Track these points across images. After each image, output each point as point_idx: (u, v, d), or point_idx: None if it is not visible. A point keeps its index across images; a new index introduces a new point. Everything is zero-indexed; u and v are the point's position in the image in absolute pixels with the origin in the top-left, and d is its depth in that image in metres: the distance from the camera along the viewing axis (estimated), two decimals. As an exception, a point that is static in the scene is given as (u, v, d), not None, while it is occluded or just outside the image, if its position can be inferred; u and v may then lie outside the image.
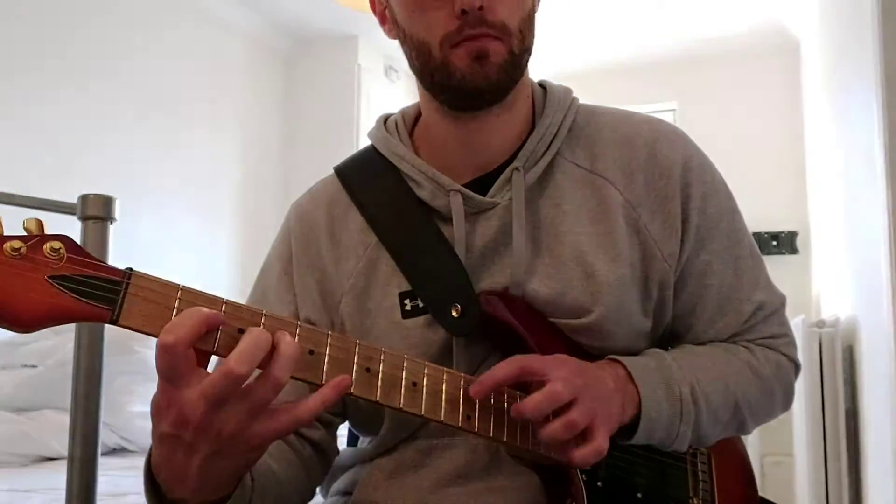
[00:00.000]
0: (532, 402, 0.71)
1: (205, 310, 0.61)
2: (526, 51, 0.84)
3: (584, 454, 0.72)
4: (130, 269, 0.64)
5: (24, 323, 0.60)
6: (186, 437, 0.62)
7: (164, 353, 0.59)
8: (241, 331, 0.63)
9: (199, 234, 3.42)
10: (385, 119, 0.96)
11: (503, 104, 0.86)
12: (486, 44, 0.80)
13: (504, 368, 0.73)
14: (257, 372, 0.62)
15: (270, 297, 0.93)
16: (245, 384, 0.61)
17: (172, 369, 0.60)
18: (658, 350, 0.87)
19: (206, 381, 0.60)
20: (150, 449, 0.69)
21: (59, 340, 2.33)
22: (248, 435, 0.63)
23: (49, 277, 0.61)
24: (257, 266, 0.98)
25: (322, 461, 0.91)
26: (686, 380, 0.83)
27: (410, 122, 0.95)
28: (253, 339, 0.61)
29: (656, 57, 4.07)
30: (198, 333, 0.60)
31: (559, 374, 0.72)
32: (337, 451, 0.94)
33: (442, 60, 0.81)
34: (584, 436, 0.72)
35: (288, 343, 0.62)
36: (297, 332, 0.67)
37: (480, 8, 0.78)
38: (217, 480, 0.66)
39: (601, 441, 0.72)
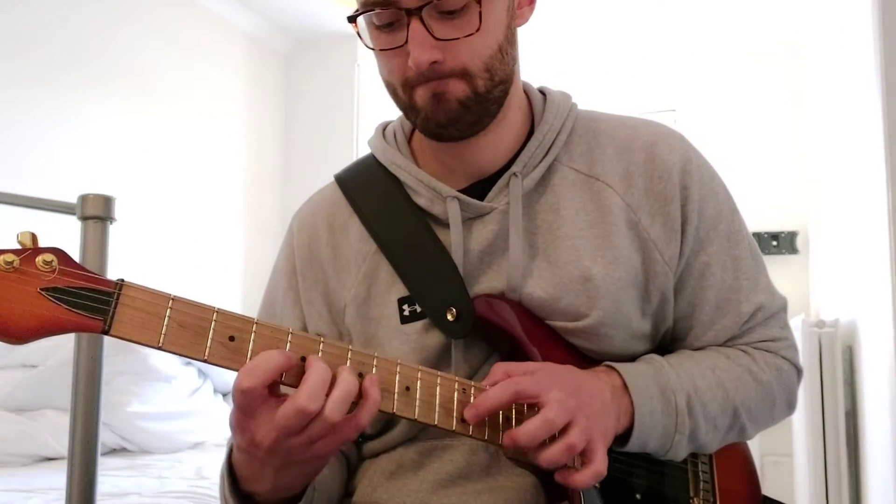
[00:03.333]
0: (526, 432, 0.70)
1: (279, 357, 0.65)
2: (497, 85, 0.82)
3: (584, 478, 0.72)
4: (122, 280, 0.65)
5: (18, 335, 0.61)
6: (258, 454, 0.68)
7: (240, 395, 0.64)
8: (303, 359, 0.67)
9: (200, 233, 3.42)
10: (384, 127, 0.97)
11: (486, 128, 0.86)
12: (443, 85, 0.80)
13: (497, 393, 0.73)
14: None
15: (277, 312, 0.94)
16: (327, 422, 0.65)
17: (248, 406, 0.65)
18: (656, 356, 0.87)
19: (279, 416, 0.64)
20: (231, 446, 0.75)
21: (59, 340, 2.32)
22: (316, 451, 0.68)
23: (42, 289, 0.62)
24: (258, 265, 0.99)
25: (348, 466, 0.94)
26: (683, 388, 0.83)
27: (409, 128, 0.95)
28: (320, 376, 0.65)
29: (657, 59, 4.07)
30: (273, 378, 0.65)
31: (553, 396, 0.72)
32: (357, 461, 0.95)
33: (407, 100, 0.83)
34: (581, 456, 0.73)
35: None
36: (289, 339, 0.68)
37: (436, 61, 0.78)
38: (289, 485, 0.74)
39: (600, 463, 0.72)
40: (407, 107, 0.84)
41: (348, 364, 0.69)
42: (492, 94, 0.82)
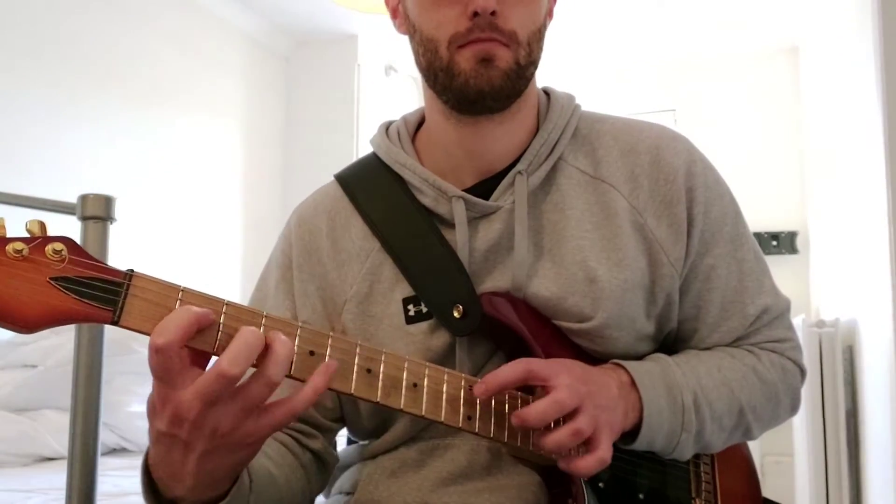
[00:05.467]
0: (536, 411, 0.70)
1: (195, 308, 0.61)
2: (532, 63, 0.84)
3: (588, 464, 0.71)
4: (132, 271, 0.64)
5: (27, 324, 0.60)
6: (182, 435, 0.62)
7: (155, 354, 0.59)
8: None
9: (200, 233, 3.41)
10: (387, 126, 0.96)
11: (506, 113, 0.86)
12: (493, 48, 0.80)
13: (509, 371, 0.73)
14: (252, 370, 0.62)
15: (269, 304, 0.93)
16: (239, 384, 0.60)
17: (165, 370, 0.60)
18: (662, 355, 0.87)
19: (200, 381, 0.59)
20: (147, 448, 0.68)
21: (59, 340, 2.32)
22: (244, 432, 0.63)
23: (51, 279, 0.61)
24: (258, 265, 0.98)
25: (322, 470, 0.91)
26: (689, 387, 0.83)
27: (412, 128, 0.95)
28: (245, 339, 0.60)
29: (656, 59, 4.07)
30: (189, 334, 0.60)
31: (564, 380, 0.72)
32: (337, 460, 0.94)
33: (448, 60, 0.81)
34: (586, 444, 0.72)
35: (282, 342, 0.62)
36: (299, 332, 0.67)
37: (493, 13, 0.78)
38: (213, 477, 0.66)
39: (604, 450, 0.72)
40: (445, 68, 0.82)
41: (356, 359, 0.69)
42: (527, 70, 0.84)
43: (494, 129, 0.87)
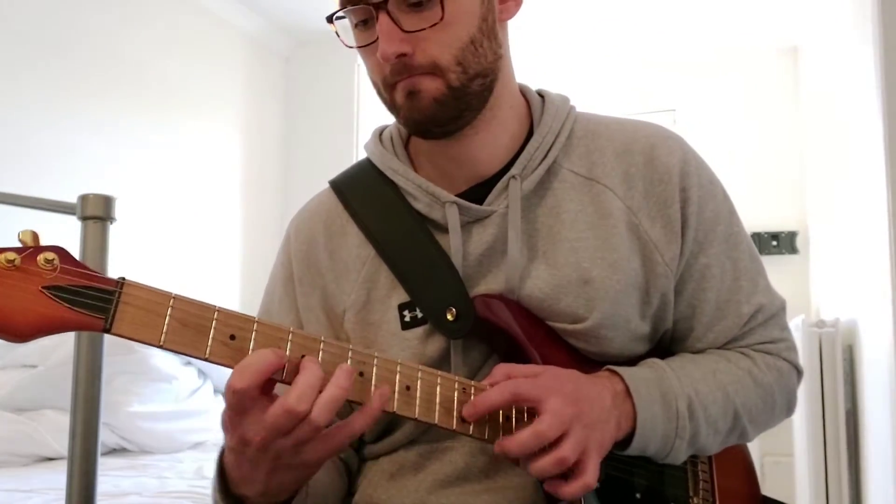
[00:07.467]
0: (517, 442, 0.71)
1: (273, 356, 0.65)
2: (474, 77, 0.81)
3: (572, 490, 0.72)
4: (123, 279, 0.65)
5: (20, 333, 0.62)
6: (248, 454, 0.68)
7: (233, 395, 0.64)
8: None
9: (200, 233, 3.42)
10: (380, 132, 0.97)
11: (477, 124, 0.85)
12: (415, 82, 0.80)
13: (496, 394, 0.73)
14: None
15: (273, 318, 0.93)
16: (313, 424, 0.65)
17: (239, 405, 0.65)
18: (658, 360, 0.87)
19: (268, 415, 0.64)
20: (223, 449, 0.74)
21: (59, 340, 2.32)
22: (305, 457, 0.68)
23: (43, 288, 0.62)
24: (257, 266, 0.99)
25: (348, 473, 0.93)
26: (684, 393, 0.83)
27: (406, 132, 0.95)
28: (311, 376, 0.65)
29: (656, 59, 4.07)
30: (265, 378, 0.65)
31: (552, 404, 0.72)
32: (357, 463, 0.94)
33: (389, 99, 0.84)
34: (573, 467, 0.73)
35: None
36: (290, 338, 0.68)
37: (404, 54, 0.78)
38: (279, 488, 0.73)
39: (590, 476, 0.72)
40: (389, 105, 0.85)
41: (349, 363, 0.69)
42: (469, 87, 0.82)
43: (470, 140, 0.87)
